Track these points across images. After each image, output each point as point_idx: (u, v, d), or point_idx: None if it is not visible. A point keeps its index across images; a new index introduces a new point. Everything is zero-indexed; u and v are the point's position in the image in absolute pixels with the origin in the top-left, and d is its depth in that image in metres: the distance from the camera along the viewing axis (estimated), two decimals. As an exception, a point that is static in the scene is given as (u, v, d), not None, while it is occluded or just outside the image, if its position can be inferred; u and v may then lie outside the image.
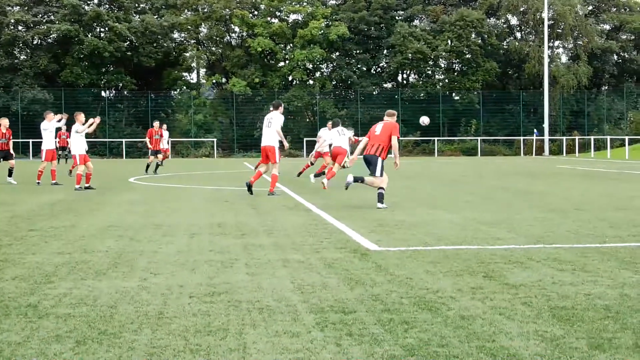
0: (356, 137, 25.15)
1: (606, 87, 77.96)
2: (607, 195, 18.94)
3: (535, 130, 65.76)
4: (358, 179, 15.87)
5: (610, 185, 23.13)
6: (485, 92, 70.27)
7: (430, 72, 73.74)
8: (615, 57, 77.94)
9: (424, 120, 18.04)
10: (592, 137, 61.64)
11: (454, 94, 70.64)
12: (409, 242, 10.51)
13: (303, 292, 7.21)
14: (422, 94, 70.45)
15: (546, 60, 65.59)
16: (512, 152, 66.58)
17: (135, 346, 5.41)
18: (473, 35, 71.11)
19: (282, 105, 20.20)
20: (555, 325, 5.90)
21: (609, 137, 58.96)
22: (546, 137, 64.51)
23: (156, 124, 32.83)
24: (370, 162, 15.86)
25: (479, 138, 65.29)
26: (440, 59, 72.82)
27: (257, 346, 5.40)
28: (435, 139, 64.58)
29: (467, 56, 70.93)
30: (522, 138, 66.00)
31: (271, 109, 19.92)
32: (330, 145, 24.84)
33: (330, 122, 26.39)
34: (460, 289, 7.28)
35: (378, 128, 16.01)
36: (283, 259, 9.16)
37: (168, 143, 38.11)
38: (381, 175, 15.70)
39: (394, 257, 9.22)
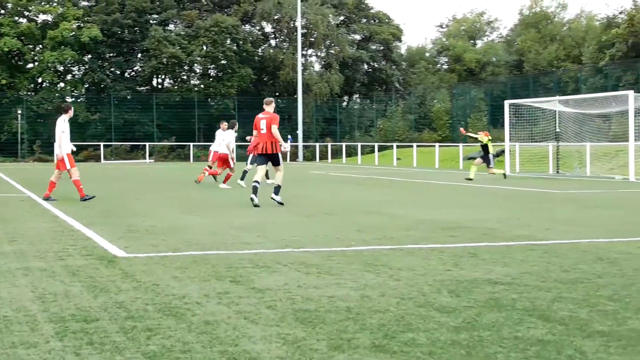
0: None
1: (357, 95, 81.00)
2: (355, 200, 19.64)
3: (289, 137, 67.11)
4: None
5: (360, 190, 24.01)
6: (240, 98, 70.93)
7: (185, 77, 73.56)
8: (366, 66, 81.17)
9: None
10: (343, 144, 63.80)
11: (209, 100, 70.78)
12: (159, 248, 10.39)
13: (44, 302, 6.94)
14: (177, 99, 70.10)
15: (300, 68, 67.18)
16: (267, 158, 67.52)
17: None
18: (228, 41, 71.60)
19: (72, 108, 19.55)
20: (297, 327, 6.00)
21: (359, 144, 61.24)
22: (300, 143, 66.06)
23: None
24: (273, 159, 17.52)
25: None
26: (196, 64, 72.78)
27: (-11, 360, 5.13)
28: (191, 144, 64.40)
29: (223, 62, 71.32)
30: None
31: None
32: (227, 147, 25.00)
33: (224, 123, 26.40)
34: (207, 294, 7.27)
35: (263, 125, 17.52)
36: (25, 267, 8.79)
37: None
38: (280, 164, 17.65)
39: (141, 264, 9.07)
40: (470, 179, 29.60)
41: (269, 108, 17.94)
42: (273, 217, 14.79)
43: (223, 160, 25.30)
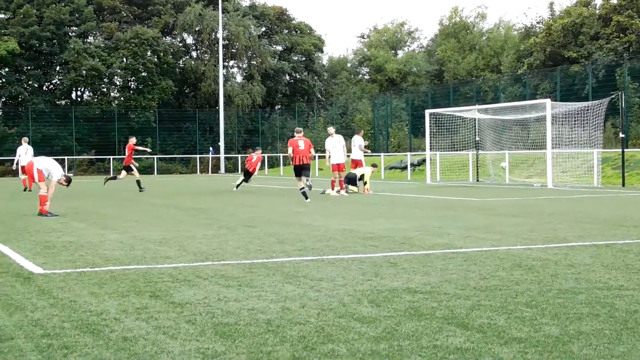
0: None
1: (279, 107, 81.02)
2: (276, 212, 19.65)
3: (211, 148, 66.99)
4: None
5: (281, 202, 24.02)
6: (161, 110, 70.36)
7: (105, 89, 72.64)
8: (288, 77, 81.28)
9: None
10: (266, 155, 63.73)
11: (129, 112, 70.04)
12: (76, 264, 10.24)
13: (-45, 322, 6.77)
14: (97, 112, 69.18)
15: (221, 80, 67.01)
16: (189, 170, 67.23)
17: None
18: (149, 53, 70.96)
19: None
20: (217, 341, 5.97)
21: (281, 155, 61.30)
22: (222, 155, 65.85)
23: None
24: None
25: (155, 157, 65.18)
26: (116, 77, 71.96)
27: None
28: (111, 157, 63.62)
29: (143, 74, 70.65)
30: (198, 156, 66.85)
31: None
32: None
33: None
34: (125, 310, 7.18)
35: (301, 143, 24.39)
36: None
37: None
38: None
39: (58, 280, 8.93)
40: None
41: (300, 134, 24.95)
42: (192, 230, 14.71)
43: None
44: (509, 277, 8.87)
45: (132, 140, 32.31)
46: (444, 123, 40.79)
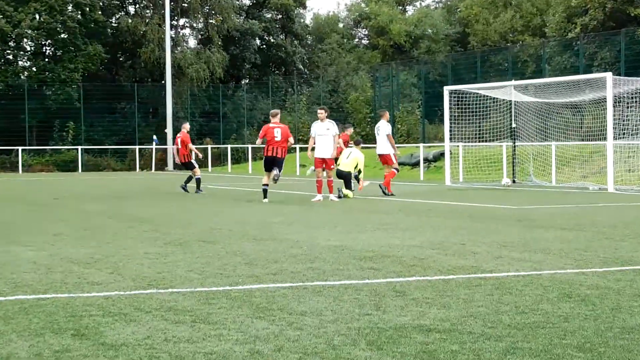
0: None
1: (247, 81, 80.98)
2: (243, 222, 19.66)
3: (154, 137, 66.84)
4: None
5: (249, 209, 24.03)
6: (88, 86, 70.13)
7: (11, 56, 72.40)
8: (258, 41, 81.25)
9: None
10: (229, 146, 63.85)
11: (44, 88, 69.84)
12: (-27, 292, 10.26)
13: None
14: (0, 87, 68.93)
15: (168, 44, 66.81)
16: (125, 166, 67.14)
17: None
18: (70, 8, 70.72)
19: None
20: (164, 396, 6.00)
21: (250, 146, 61.03)
22: (169, 146, 65.55)
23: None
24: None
25: (79, 147, 65.07)
26: (25, 40, 71.62)
27: None
28: (20, 148, 63.47)
29: (63, 36, 70.44)
30: (137, 147, 66.73)
31: None
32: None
33: None
34: (40, 354, 7.19)
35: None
36: None
37: None
38: None
39: (-51, 314, 8.94)
40: (388, 193, 29.33)
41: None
42: (131, 247, 14.70)
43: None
44: (555, 311, 8.91)
45: (186, 127, 34.89)
46: (468, 104, 40.82)
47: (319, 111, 28.23)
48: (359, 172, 29.25)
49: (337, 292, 10.14)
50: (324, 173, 27.84)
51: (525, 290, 10.11)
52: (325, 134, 27.72)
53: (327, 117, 28.01)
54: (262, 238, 16.16)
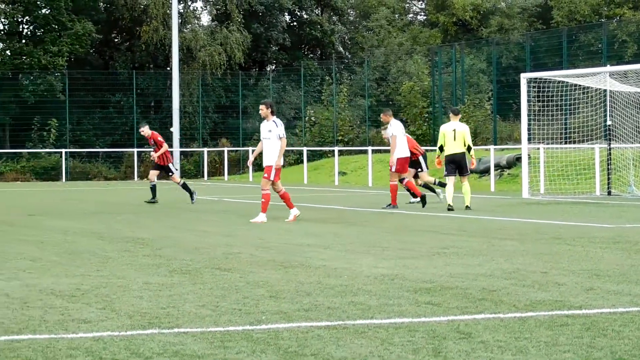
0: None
1: (273, 67, 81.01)
2: (265, 245, 19.67)
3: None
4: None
5: (273, 228, 24.04)
6: (75, 73, 70.35)
7: (-20, 37, 73.04)
8: (288, 17, 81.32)
9: None
10: (250, 149, 63.86)
11: (20, 76, 70.22)
12: None
13: None
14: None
15: (175, 22, 66.86)
16: (120, 175, 67.33)
17: None
18: (53, -23, 71.25)
19: None
20: None
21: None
22: (176, 149, 65.62)
23: None
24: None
25: (63, 151, 65.33)
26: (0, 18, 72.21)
27: None
28: (-8, 152, 63.97)
29: (44, 11, 70.79)
30: (136, 151, 66.92)
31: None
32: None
33: None
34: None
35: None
36: None
37: None
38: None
39: None
40: (450, 208, 29.32)
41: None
42: (127, 276, 14.73)
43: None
44: (661, 357, 8.88)
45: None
46: (552, 96, 40.75)
47: (260, 107, 27.49)
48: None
49: (385, 333, 10.13)
50: (272, 186, 26.49)
51: (623, 332, 10.06)
52: (267, 136, 26.75)
53: (272, 114, 26.82)
54: (290, 265, 16.16)
